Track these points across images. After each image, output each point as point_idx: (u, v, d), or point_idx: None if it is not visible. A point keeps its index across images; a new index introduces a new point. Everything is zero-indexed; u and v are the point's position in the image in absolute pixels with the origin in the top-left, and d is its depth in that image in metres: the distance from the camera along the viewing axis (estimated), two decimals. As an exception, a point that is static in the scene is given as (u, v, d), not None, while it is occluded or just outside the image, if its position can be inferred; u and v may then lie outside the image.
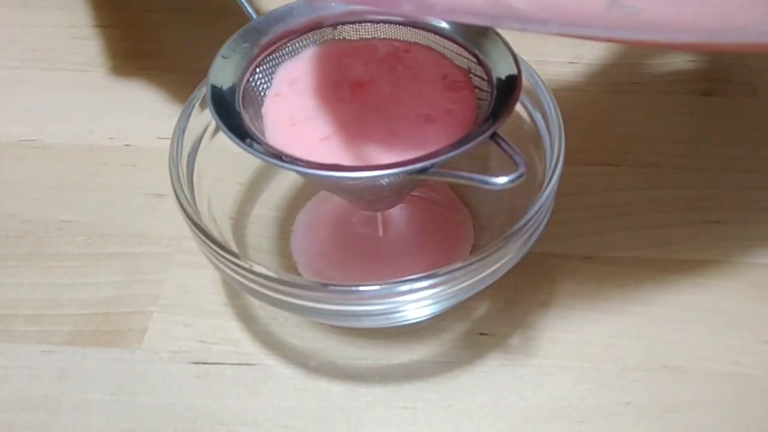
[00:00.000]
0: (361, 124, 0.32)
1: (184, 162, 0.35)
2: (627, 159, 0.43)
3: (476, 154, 0.31)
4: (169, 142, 0.35)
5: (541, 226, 0.34)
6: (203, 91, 0.36)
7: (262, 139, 0.31)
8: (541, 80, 0.36)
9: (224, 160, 0.38)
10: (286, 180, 0.42)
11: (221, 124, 0.31)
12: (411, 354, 0.36)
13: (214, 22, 0.50)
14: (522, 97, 0.37)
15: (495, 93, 0.32)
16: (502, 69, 0.32)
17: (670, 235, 0.40)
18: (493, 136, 0.30)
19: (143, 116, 0.47)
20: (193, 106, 0.36)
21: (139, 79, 0.49)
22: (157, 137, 0.45)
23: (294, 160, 0.30)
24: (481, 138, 0.29)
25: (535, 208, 0.32)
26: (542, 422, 0.34)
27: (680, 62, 0.49)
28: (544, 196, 0.33)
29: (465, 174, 0.29)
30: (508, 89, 0.31)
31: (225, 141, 0.38)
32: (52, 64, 0.50)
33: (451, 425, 0.34)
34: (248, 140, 0.30)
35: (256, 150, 0.30)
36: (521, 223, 0.32)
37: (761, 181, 0.42)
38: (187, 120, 0.36)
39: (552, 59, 0.49)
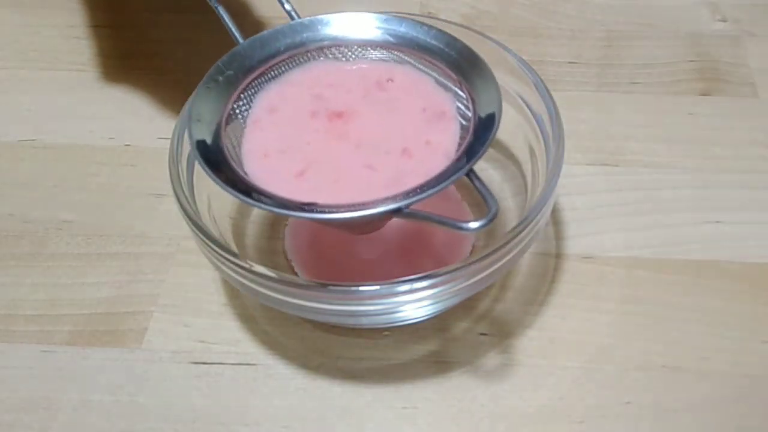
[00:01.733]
0: (337, 158, 0.32)
1: (184, 162, 0.35)
2: (627, 159, 0.44)
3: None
4: (169, 142, 0.35)
5: (541, 226, 0.34)
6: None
7: (240, 172, 0.31)
8: (541, 80, 0.36)
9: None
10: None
11: (199, 158, 0.30)
12: (411, 354, 0.36)
13: (213, 23, 0.50)
14: (522, 96, 0.37)
15: (475, 126, 0.31)
16: (485, 101, 0.32)
17: (670, 235, 0.40)
18: (468, 174, 0.29)
19: (143, 116, 0.47)
20: (193, 106, 0.36)
21: (139, 80, 0.49)
22: (157, 137, 0.45)
23: (268, 199, 0.30)
24: (455, 176, 0.29)
25: (535, 208, 0.32)
26: (542, 422, 0.34)
27: (680, 62, 0.49)
28: (545, 196, 0.33)
29: (437, 217, 0.28)
30: (488, 125, 0.31)
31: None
32: (52, 64, 0.50)
33: (451, 425, 0.34)
34: (226, 178, 0.30)
35: (232, 188, 0.29)
36: (521, 223, 0.32)
37: (761, 181, 0.42)
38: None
39: (552, 59, 0.49)
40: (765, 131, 0.45)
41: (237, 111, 0.33)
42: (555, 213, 0.41)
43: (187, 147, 0.35)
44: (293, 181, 0.31)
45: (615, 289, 0.38)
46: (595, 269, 0.39)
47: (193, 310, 0.38)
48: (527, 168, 0.38)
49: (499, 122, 0.31)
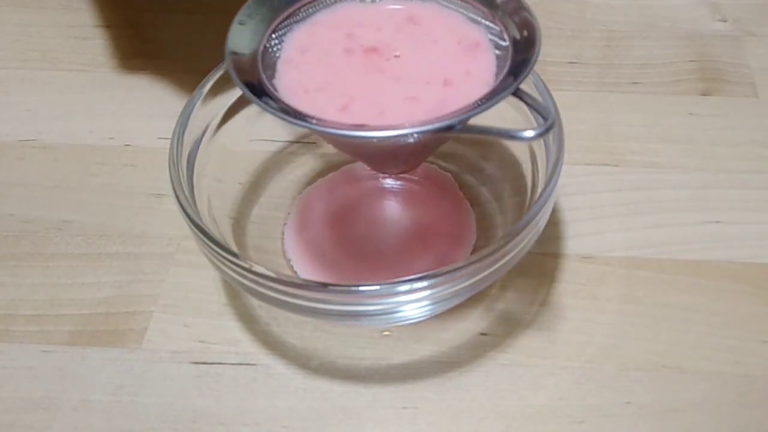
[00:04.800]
0: (378, 92, 0.32)
1: (184, 162, 0.35)
2: (627, 159, 0.44)
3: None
4: (169, 142, 0.35)
5: (541, 226, 0.34)
6: (203, 90, 0.36)
7: (288, 104, 0.31)
8: (541, 80, 0.36)
9: (224, 160, 0.38)
10: (286, 180, 0.42)
11: (246, 91, 0.30)
12: (411, 354, 0.36)
13: (213, 22, 0.50)
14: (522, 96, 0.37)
15: (512, 49, 0.31)
16: (521, 28, 0.32)
17: (670, 235, 0.40)
18: (517, 92, 0.29)
19: (143, 116, 0.47)
20: (193, 106, 0.36)
21: (139, 79, 0.49)
22: (157, 137, 0.45)
23: (324, 123, 0.30)
24: (504, 93, 0.29)
25: (535, 208, 0.32)
26: (542, 422, 0.34)
27: (680, 62, 0.49)
28: (545, 196, 0.33)
29: (493, 128, 0.28)
30: (528, 43, 0.31)
31: (225, 140, 0.38)
32: (52, 64, 0.50)
33: (451, 425, 0.34)
34: (278, 106, 0.30)
35: (289, 116, 0.30)
36: (521, 223, 0.32)
37: (761, 181, 0.42)
38: (187, 120, 0.36)
39: (552, 59, 0.49)
40: (765, 131, 0.45)
41: (270, 49, 0.33)
42: (555, 213, 0.41)
43: (187, 147, 0.36)
44: (338, 116, 0.31)
45: (615, 289, 0.38)
46: (595, 269, 0.39)
47: (193, 310, 0.38)
48: (527, 168, 0.38)
49: (540, 42, 0.30)
